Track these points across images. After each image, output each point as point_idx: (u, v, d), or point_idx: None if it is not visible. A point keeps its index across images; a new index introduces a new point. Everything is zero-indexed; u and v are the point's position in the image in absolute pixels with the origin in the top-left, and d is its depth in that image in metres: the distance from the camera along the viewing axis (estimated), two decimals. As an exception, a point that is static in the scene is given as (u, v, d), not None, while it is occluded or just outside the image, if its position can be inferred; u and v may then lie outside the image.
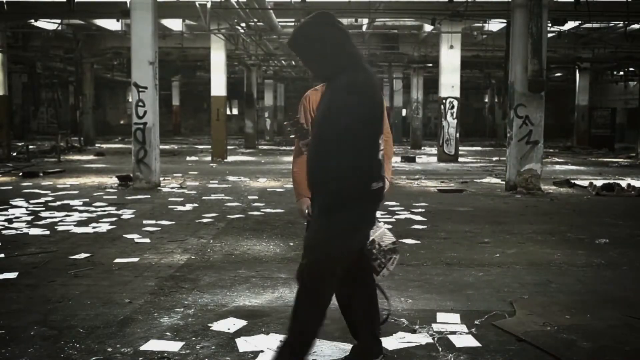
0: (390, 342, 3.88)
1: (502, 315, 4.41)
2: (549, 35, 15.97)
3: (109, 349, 3.73)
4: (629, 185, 12.06)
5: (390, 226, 7.35)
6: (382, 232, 3.34)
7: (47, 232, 7.39)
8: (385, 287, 5.08)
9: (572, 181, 13.19)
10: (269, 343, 3.84)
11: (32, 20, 20.20)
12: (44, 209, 9.20)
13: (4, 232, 7.40)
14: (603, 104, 32.63)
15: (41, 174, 14.14)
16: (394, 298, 4.81)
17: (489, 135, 37.44)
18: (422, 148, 27.12)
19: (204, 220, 8.35)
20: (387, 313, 3.72)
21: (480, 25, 21.06)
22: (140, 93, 11.86)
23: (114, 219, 8.38)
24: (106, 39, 24.40)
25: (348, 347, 3.79)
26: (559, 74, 32.36)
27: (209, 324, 4.18)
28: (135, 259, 6.06)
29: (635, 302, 4.80)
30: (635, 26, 19.52)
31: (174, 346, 3.79)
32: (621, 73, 30.10)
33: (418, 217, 8.70)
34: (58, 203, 9.77)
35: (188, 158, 20.86)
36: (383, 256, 3.32)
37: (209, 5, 15.25)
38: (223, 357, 3.65)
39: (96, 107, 30.04)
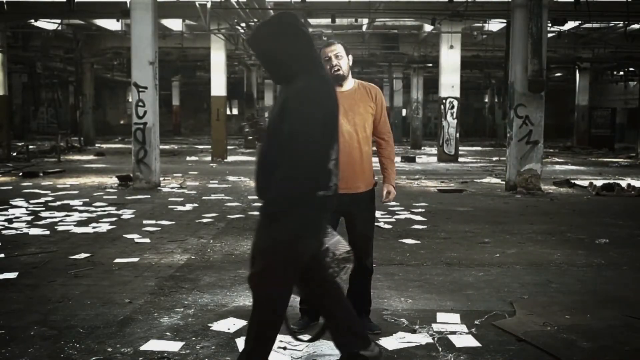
0: (390, 342, 3.88)
1: (502, 315, 4.41)
2: (549, 35, 15.97)
3: (109, 349, 3.73)
4: (629, 185, 12.06)
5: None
6: (336, 241, 3.29)
7: (47, 232, 7.39)
8: (385, 287, 5.10)
9: (572, 181, 13.19)
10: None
11: (32, 20, 20.19)
12: (44, 209, 9.20)
13: (4, 232, 7.40)
14: (603, 104, 32.61)
15: (41, 174, 14.14)
16: (394, 298, 4.82)
17: (489, 135, 37.43)
18: (422, 148, 27.12)
19: (204, 220, 8.35)
20: (322, 324, 3.64)
21: (480, 25, 21.07)
22: (140, 93, 11.86)
23: (114, 219, 8.38)
24: (106, 39, 24.41)
25: (348, 347, 3.79)
26: (559, 74, 32.34)
27: (209, 324, 4.18)
28: (135, 259, 6.06)
29: (635, 302, 4.80)
30: (635, 26, 19.52)
31: (174, 346, 3.79)
32: (621, 73, 30.09)
33: (418, 217, 8.70)
34: (58, 203, 9.77)
35: (188, 158, 20.86)
36: (337, 265, 3.26)
37: (209, 5, 15.25)
38: (223, 357, 3.65)
39: (96, 107, 30.03)
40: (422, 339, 3.96)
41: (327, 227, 3.24)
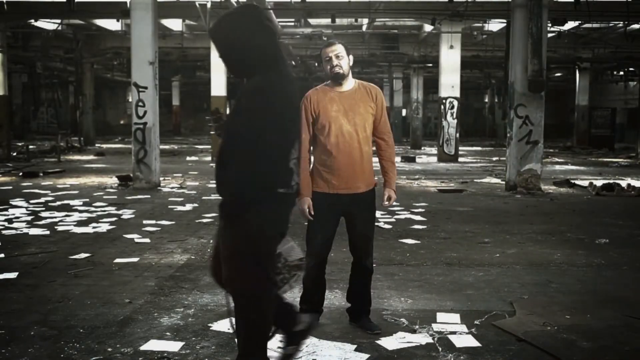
0: (390, 342, 3.88)
1: (502, 315, 4.41)
2: (549, 35, 15.97)
3: (109, 349, 3.73)
4: (629, 185, 12.06)
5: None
6: (290, 247, 3.24)
7: (47, 232, 7.39)
8: (385, 287, 5.10)
9: (572, 181, 13.18)
10: (268, 343, 3.83)
11: (32, 20, 20.18)
12: (44, 209, 9.20)
13: (4, 232, 7.40)
14: (603, 104, 32.59)
15: (41, 174, 14.13)
16: (394, 298, 4.82)
17: (489, 135, 37.43)
18: (422, 148, 27.12)
19: (204, 220, 8.35)
20: (273, 330, 3.66)
21: (480, 25, 21.06)
22: (140, 93, 11.86)
23: (114, 219, 8.38)
24: (106, 39, 24.40)
25: (348, 347, 3.80)
26: (559, 74, 32.33)
27: (209, 324, 4.18)
28: (135, 259, 6.06)
29: (635, 302, 4.81)
30: (635, 26, 19.51)
31: (174, 346, 3.79)
32: (621, 73, 30.07)
33: (418, 217, 8.70)
34: (58, 203, 9.77)
35: (188, 158, 20.86)
36: (287, 272, 3.21)
37: (209, 5, 15.26)
38: (223, 357, 3.65)
39: (96, 107, 30.02)
40: (422, 339, 3.96)
41: (288, 225, 3.17)
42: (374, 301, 4.33)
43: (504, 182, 12.39)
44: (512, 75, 11.85)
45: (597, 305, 4.70)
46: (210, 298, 4.79)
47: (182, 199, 10.52)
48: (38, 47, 22.97)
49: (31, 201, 9.91)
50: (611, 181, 12.64)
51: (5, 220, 8.17)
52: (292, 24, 19.94)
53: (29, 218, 8.34)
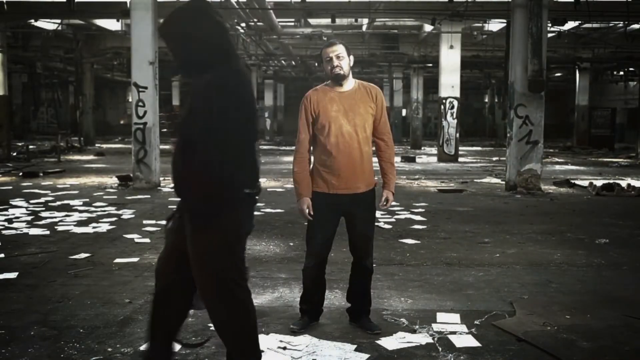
0: (390, 342, 3.88)
1: (502, 315, 4.41)
2: (549, 35, 15.96)
3: (109, 349, 3.73)
4: (629, 185, 12.06)
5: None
6: None
7: (47, 232, 7.39)
8: (385, 287, 5.10)
9: (572, 181, 13.18)
10: (269, 343, 3.84)
11: (32, 20, 20.19)
12: (44, 209, 9.19)
13: (4, 232, 7.40)
14: (603, 104, 32.60)
15: (41, 174, 14.13)
16: (394, 298, 4.82)
17: (489, 135, 37.43)
18: (422, 148, 27.12)
19: (204, 220, 8.33)
20: (206, 338, 3.65)
21: (480, 25, 21.06)
22: (140, 93, 11.86)
23: (114, 219, 8.38)
24: (106, 39, 24.39)
25: (348, 347, 3.80)
26: (559, 74, 32.34)
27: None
28: (135, 259, 6.06)
29: (635, 302, 4.80)
30: (635, 26, 19.52)
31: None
32: (621, 73, 30.09)
33: (418, 217, 8.70)
34: (58, 203, 9.77)
35: (188, 158, 20.83)
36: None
37: (209, 5, 15.24)
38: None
39: (96, 107, 30.01)
40: (422, 339, 3.96)
41: (254, 224, 3.12)
42: (374, 301, 4.33)
43: (504, 182, 12.39)
44: (512, 75, 11.85)
45: (597, 305, 4.70)
46: (210, 298, 4.78)
47: (182, 199, 10.50)
48: (38, 47, 22.97)
49: (31, 201, 9.91)
50: (611, 181, 12.64)
51: (5, 220, 8.17)
52: (292, 24, 19.93)
53: (29, 218, 8.34)
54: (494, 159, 20.97)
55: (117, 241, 6.92)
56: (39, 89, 27.79)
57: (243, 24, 17.95)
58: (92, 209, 9.24)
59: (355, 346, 3.81)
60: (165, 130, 17.49)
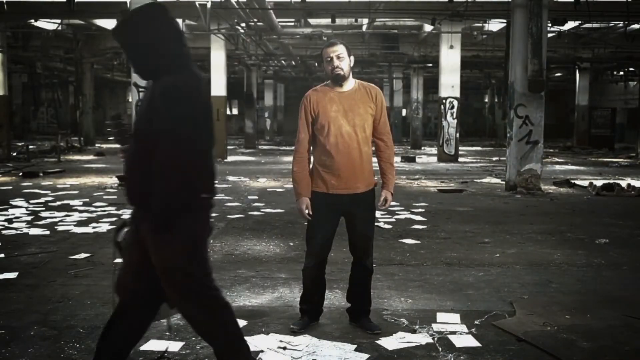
0: (390, 342, 3.88)
1: (502, 315, 4.41)
2: (549, 35, 15.97)
3: (109, 349, 3.72)
4: (629, 185, 12.06)
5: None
6: None
7: (47, 232, 7.39)
8: (385, 287, 5.10)
9: (572, 181, 13.18)
10: (269, 343, 3.84)
11: (32, 20, 20.18)
12: (44, 209, 9.19)
13: (4, 232, 7.40)
14: (603, 104, 32.60)
15: (41, 174, 14.13)
16: (394, 298, 4.82)
17: (489, 135, 37.42)
18: (422, 148, 27.12)
19: (204, 220, 8.33)
20: (164, 351, 3.63)
21: (480, 25, 21.06)
22: (140, 93, 11.85)
23: (114, 219, 8.38)
24: (106, 39, 24.37)
25: (348, 347, 3.80)
26: (559, 74, 32.34)
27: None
28: (135, 259, 6.05)
29: (635, 302, 4.80)
30: (635, 26, 19.52)
31: (174, 346, 3.79)
32: (621, 73, 30.09)
33: (418, 217, 8.70)
34: (58, 203, 9.77)
35: (188, 158, 20.83)
36: None
37: (209, 5, 15.24)
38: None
39: (96, 107, 30.01)
40: (422, 339, 3.96)
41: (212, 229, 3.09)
42: (374, 301, 4.33)
43: (504, 182, 12.39)
44: (512, 75, 11.85)
45: (597, 305, 4.70)
46: (210, 298, 4.78)
47: (182, 199, 10.49)
48: (38, 47, 22.97)
49: (31, 201, 9.91)
50: (611, 181, 12.64)
51: (5, 220, 8.17)
52: (292, 24, 19.93)
53: (29, 218, 8.34)
54: (494, 159, 20.97)
55: (117, 241, 6.91)
56: (39, 89, 27.79)
57: (243, 24, 17.94)
58: (92, 209, 9.24)
59: (355, 346, 3.81)
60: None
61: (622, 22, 18.48)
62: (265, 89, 35.78)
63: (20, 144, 23.37)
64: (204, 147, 2.89)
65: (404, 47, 25.06)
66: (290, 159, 4.11)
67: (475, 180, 13.91)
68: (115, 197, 10.67)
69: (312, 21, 19.47)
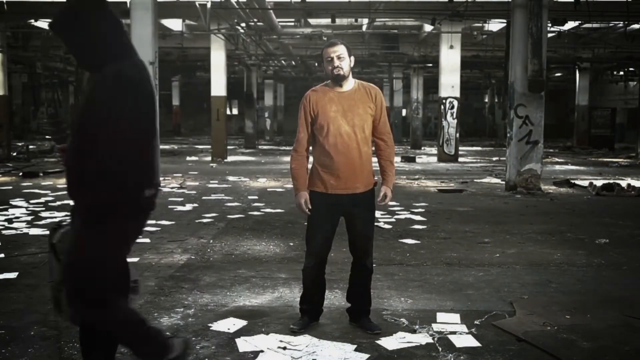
0: (390, 342, 3.88)
1: (502, 315, 4.41)
2: (549, 35, 15.95)
3: (109, 349, 3.72)
4: (629, 185, 12.06)
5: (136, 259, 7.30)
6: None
7: (47, 232, 7.38)
8: (385, 287, 5.10)
9: (572, 181, 13.18)
10: (269, 343, 3.84)
11: (32, 20, 20.18)
12: (44, 209, 9.19)
13: (4, 232, 7.40)
14: (603, 104, 32.60)
15: (41, 174, 14.13)
16: (394, 298, 4.82)
17: (489, 135, 37.40)
18: (422, 148, 27.12)
19: (204, 220, 8.35)
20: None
21: (480, 25, 21.05)
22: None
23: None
24: (106, 39, 24.36)
25: (348, 347, 3.80)
26: (559, 74, 32.35)
27: (209, 324, 4.18)
28: (135, 259, 6.05)
29: (635, 302, 4.80)
30: (635, 26, 19.51)
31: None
32: (621, 73, 30.09)
33: (418, 217, 8.70)
34: (58, 203, 9.76)
35: (188, 158, 20.86)
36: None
37: (209, 5, 15.25)
38: (223, 357, 3.65)
39: (96, 107, 29.96)
40: (422, 339, 3.96)
41: (144, 230, 3.00)
42: (374, 301, 4.33)
43: (504, 182, 12.39)
44: (512, 75, 11.85)
45: (597, 305, 4.70)
46: (210, 298, 4.79)
47: (182, 199, 10.52)
48: (38, 47, 22.96)
49: (31, 201, 9.91)
50: (611, 181, 12.64)
51: (5, 220, 8.17)
52: (292, 24, 19.93)
53: (29, 218, 8.34)
54: (494, 159, 20.97)
55: (117, 241, 6.91)
56: (39, 89, 27.77)
57: (243, 24, 17.94)
58: (92, 209, 9.23)
59: (355, 346, 3.81)
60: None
61: (622, 22, 18.48)
62: (265, 89, 35.78)
63: (20, 144, 23.37)
64: (146, 138, 2.80)
65: (404, 47, 25.05)
66: (289, 158, 4.12)
67: (475, 180, 13.91)
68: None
69: (312, 21, 19.48)
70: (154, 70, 11.89)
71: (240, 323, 4.19)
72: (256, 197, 10.75)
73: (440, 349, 3.80)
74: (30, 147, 20.87)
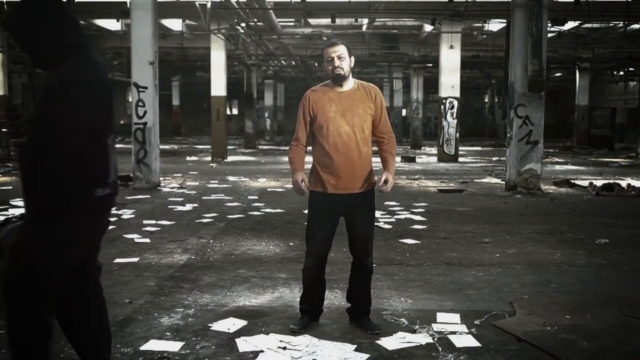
0: (390, 342, 3.88)
1: (502, 315, 4.41)
2: (549, 35, 15.95)
3: (109, 349, 3.72)
4: (629, 185, 12.06)
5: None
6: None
7: None
8: (385, 287, 5.10)
9: (572, 181, 13.18)
10: (269, 343, 3.84)
11: (32, 20, 20.17)
12: (44, 209, 9.18)
13: (4, 232, 7.39)
14: (603, 104, 32.60)
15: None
16: (394, 298, 4.82)
17: (489, 135, 37.41)
18: (422, 148, 27.12)
19: (204, 220, 8.35)
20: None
21: (480, 25, 21.05)
22: (140, 93, 11.85)
23: (113, 219, 8.37)
24: (106, 39, 24.37)
25: (348, 347, 3.80)
26: (559, 74, 32.34)
27: (209, 324, 4.18)
28: (135, 259, 6.06)
29: (635, 302, 4.81)
30: (635, 26, 19.50)
31: (174, 346, 3.79)
32: (621, 73, 30.08)
33: (418, 217, 8.70)
34: (58, 203, 9.75)
35: (188, 158, 20.86)
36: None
37: (209, 5, 15.25)
38: (223, 357, 3.65)
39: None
40: (422, 339, 3.96)
41: (103, 231, 2.95)
42: (374, 301, 4.33)
43: (504, 182, 12.39)
44: (512, 75, 11.85)
45: (597, 305, 4.70)
46: (210, 298, 4.79)
47: (182, 199, 10.52)
48: (38, 47, 22.93)
49: (31, 201, 9.89)
50: (611, 181, 12.64)
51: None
52: (292, 24, 19.93)
53: (29, 218, 8.33)
54: (494, 159, 20.97)
55: (117, 241, 6.92)
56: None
57: (243, 24, 17.94)
58: (92, 209, 9.23)
59: (355, 346, 3.81)
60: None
61: (622, 22, 18.47)
62: (265, 89, 35.79)
63: (20, 144, 23.34)
64: (101, 135, 2.77)
65: (404, 47, 25.04)
66: (288, 149, 4.14)
67: (475, 180, 13.91)
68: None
69: (312, 21, 19.48)
70: (154, 70, 11.91)
71: (240, 323, 4.19)
72: (256, 197, 10.75)
73: (440, 349, 3.80)
74: (30, 147, 20.84)
